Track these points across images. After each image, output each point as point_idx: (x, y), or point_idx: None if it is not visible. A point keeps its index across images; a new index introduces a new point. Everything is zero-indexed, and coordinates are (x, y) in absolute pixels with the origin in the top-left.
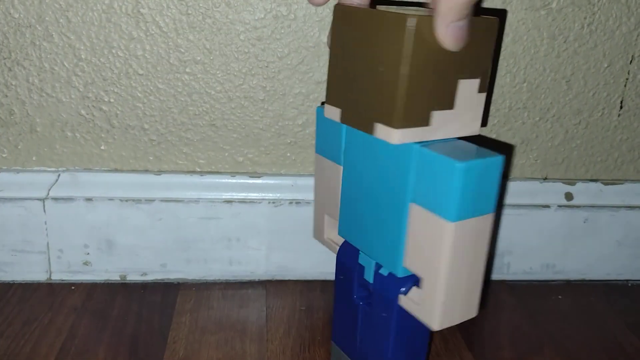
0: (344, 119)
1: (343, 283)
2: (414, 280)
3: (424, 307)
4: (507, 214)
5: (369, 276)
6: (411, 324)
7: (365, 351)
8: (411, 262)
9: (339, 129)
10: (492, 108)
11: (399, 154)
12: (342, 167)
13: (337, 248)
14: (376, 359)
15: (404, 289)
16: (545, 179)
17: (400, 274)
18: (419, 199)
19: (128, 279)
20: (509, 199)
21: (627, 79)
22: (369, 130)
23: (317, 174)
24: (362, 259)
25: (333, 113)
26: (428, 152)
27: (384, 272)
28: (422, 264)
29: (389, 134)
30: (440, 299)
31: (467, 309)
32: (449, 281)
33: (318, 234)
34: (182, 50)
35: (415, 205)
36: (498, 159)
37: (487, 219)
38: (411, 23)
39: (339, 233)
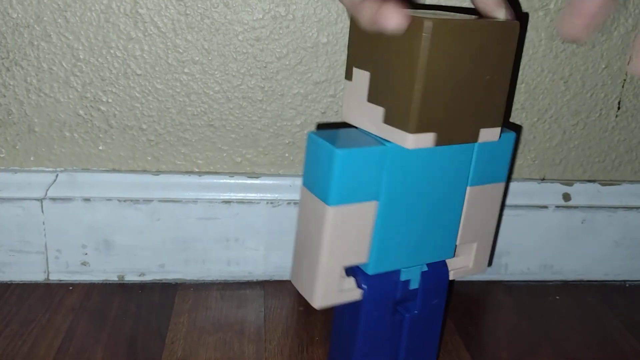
0: (440, 141)
1: (373, 317)
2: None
3: (477, 256)
4: (505, 215)
5: (415, 283)
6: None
7: (413, 355)
8: (465, 236)
9: (377, 163)
10: None
11: (464, 151)
12: (376, 202)
13: (359, 292)
14: (429, 348)
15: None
16: (543, 179)
17: (452, 255)
18: (474, 181)
19: (126, 279)
20: (507, 200)
21: (624, 80)
22: (471, 139)
23: (333, 230)
24: (405, 275)
25: (423, 140)
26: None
27: (427, 269)
28: (477, 231)
29: (494, 134)
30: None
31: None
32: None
33: (324, 296)
34: (181, 51)
35: (471, 187)
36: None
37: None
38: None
39: (374, 270)
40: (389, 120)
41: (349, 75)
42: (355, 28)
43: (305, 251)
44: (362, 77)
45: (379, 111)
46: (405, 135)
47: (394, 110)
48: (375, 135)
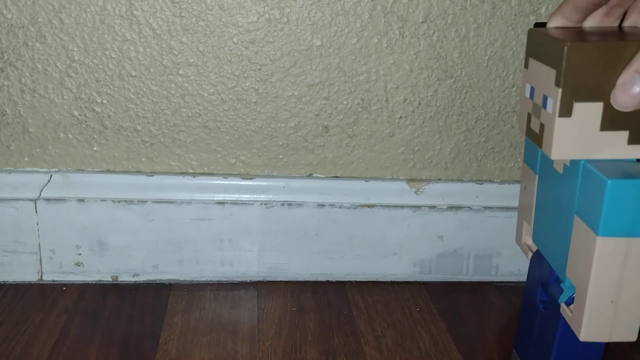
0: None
1: (530, 289)
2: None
3: (574, 316)
4: (495, 217)
5: (548, 279)
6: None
7: (537, 356)
8: (570, 271)
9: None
10: (482, 112)
11: (572, 169)
12: (537, 177)
13: (531, 254)
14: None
15: (563, 296)
16: None
17: (566, 281)
18: (580, 211)
19: (120, 279)
20: (497, 202)
21: None
22: None
23: (522, 181)
24: (547, 265)
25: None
26: (589, 167)
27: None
28: (577, 274)
29: None
30: (585, 311)
31: (624, 330)
32: (595, 294)
33: (517, 238)
34: (176, 52)
35: (577, 217)
36: None
37: None
38: None
39: (533, 239)
40: (636, 140)
41: (566, 112)
42: (574, 67)
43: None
44: (589, 109)
45: (621, 135)
46: None
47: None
48: (620, 160)
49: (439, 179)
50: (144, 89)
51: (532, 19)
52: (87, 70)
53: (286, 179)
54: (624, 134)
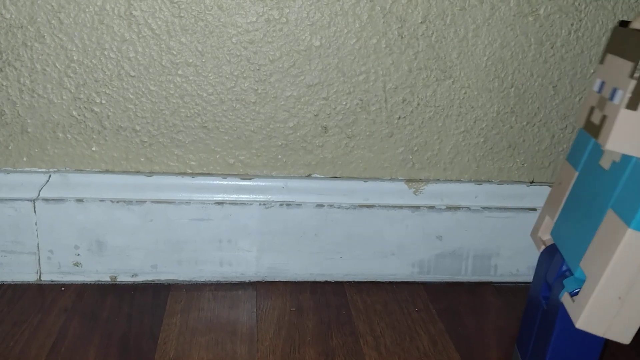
0: None
1: (535, 285)
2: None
3: (576, 304)
4: (494, 217)
5: (554, 275)
6: (580, 332)
7: (535, 352)
8: (586, 262)
9: (588, 140)
10: (480, 112)
11: (621, 164)
12: (577, 174)
13: (543, 248)
14: (540, 356)
15: (570, 286)
16: (532, 182)
17: (577, 272)
18: (616, 205)
19: (118, 279)
20: (496, 202)
21: None
22: None
23: (557, 178)
24: (557, 260)
25: None
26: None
27: (567, 272)
28: (593, 264)
29: None
30: (590, 299)
31: (621, 329)
32: (607, 285)
33: (534, 231)
34: (175, 53)
35: (612, 211)
36: None
37: None
38: None
39: (551, 232)
40: None
41: (633, 106)
42: None
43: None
44: None
45: None
46: None
47: None
48: None
49: (438, 179)
50: (143, 89)
51: (531, 20)
52: (86, 70)
53: (285, 179)
54: None
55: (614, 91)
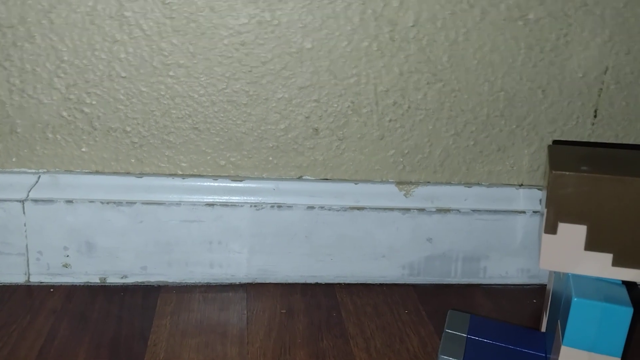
0: None
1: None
2: None
3: None
4: (484, 220)
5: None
6: None
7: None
8: None
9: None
10: (470, 116)
11: (565, 278)
12: (554, 274)
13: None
14: None
15: None
16: (521, 185)
17: None
18: (560, 318)
19: (108, 281)
20: (485, 205)
21: (601, 89)
22: None
23: (549, 274)
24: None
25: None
26: (570, 281)
27: None
28: None
29: None
30: None
31: None
32: None
33: (541, 326)
34: (166, 54)
35: (559, 322)
36: (626, 310)
37: None
38: None
39: (545, 329)
40: (620, 263)
41: (551, 230)
42: (559, 189)
43: None
44: (573, 230)
45: (605, 257)
46: None
47: (626, 254)
48: (606, 279)
49: (428, 182)
50: (134, 90)
51: (521, 24)
52: (77, 70)
53: (276, 181)
54: (609, 256)
55: (543, 214)
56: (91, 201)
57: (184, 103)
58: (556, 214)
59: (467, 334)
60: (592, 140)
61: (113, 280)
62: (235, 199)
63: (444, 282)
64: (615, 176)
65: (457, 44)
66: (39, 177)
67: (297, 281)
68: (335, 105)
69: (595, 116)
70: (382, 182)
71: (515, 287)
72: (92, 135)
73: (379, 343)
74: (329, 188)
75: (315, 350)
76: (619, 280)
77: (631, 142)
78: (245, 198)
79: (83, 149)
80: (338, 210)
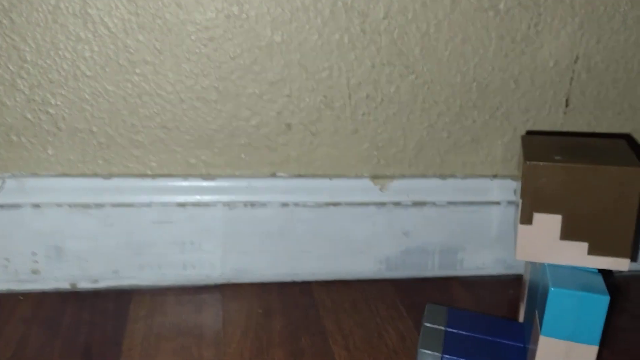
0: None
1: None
2: None
3: None
4: (459, 211)
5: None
6: None
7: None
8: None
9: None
10: (444, 107)
11: (541, 268)
12: (530, 265)
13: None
14: None
15: None
16: (495, 176)
17: None
18: (538, 308)
19: (79, 286)
20: (461, 197)
21: (572, 77)
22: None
23: (525, 265)
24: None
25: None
26: (546, 271)
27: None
28: None
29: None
30: None
31: None
32: None
33: (520, 316)
34: (132, 51)
35: (536, 312)
36: (602, 299)
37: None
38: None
39: (523, 320)
40: (596, 252)
41: (527, 220)
42: (534, 180)
43: None
44: (548, 220)
45: (581, 246)
46: (624, 260)
47: (601, 243)
48: (582, 268)
49: (403, 175)
50: (100, 89)
51: (491, 15)
52: (40, 71)
53: (249, 179)
54: (584, 245)
55: (518, 204)
56: (59, 205)
57: (152, 101)
58: (531, 205)
59: (446, 327)
60: (565, 129)
61: (84, 285)
62: (207, 198)
63: (422, 276)
64: (589, 165)
65: (428, 35)
66: (4, 181)
67: (273, 280)
68: (308, 99)
69: (567, 105)
70: (357, 177)
71: (491, 278)
72: (57, 136)
73: (358, 339)
74: (303, 184)
75: (293, 350)
76: (595, 268)
77: (603, 130)
78: (217, 197)
79: (49, 151)
80: (313, 207)
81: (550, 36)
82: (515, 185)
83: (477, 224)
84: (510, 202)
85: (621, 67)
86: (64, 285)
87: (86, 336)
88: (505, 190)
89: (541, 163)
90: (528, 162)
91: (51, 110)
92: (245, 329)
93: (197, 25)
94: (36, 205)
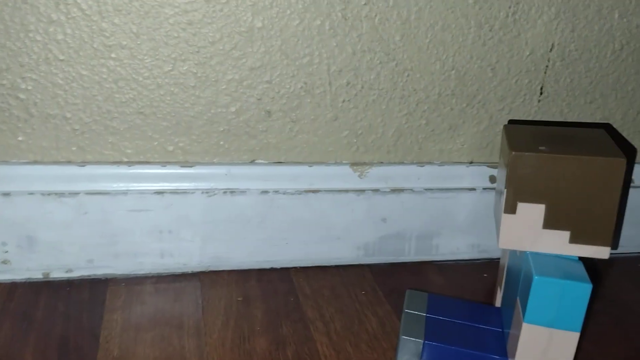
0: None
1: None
2: None
3: None
4: (436, 198)
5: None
6: None
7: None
8: (509, 347)
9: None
10: (422, 95)
11: (522, 255)
12: (509, 251)
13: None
14: None
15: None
16: (471, 162)
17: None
18: (520, 295)
19: (52, 276)
20: (438, 183)
21: (547, 66)
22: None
23: (502, 251)
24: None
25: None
26: (528, 259)
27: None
28: (510, 351)
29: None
30: None
31: None
32: None
33: (495, 301)
34: (107, 35)
35: (518, 300)
36: (585, 286)
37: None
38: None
39: (501, 305)
40: (577, 240)
41: (510, 210)
42: (519, 170)
43: None
44: (532, 209)
45: (563, 234)
46: (604, 249)
47: (582, 231)
48: (564, 256)
49: (382, 162)
50: (73, 74)
51: (471, 2)
52: (9, 54)
53: (228, 166)
54: (566, 234)
55: (501, 193)
56: (31, 193)
57: (128, 86)
58: (515, 194)
59: (427, 313)
60: (538, 117)
61: (57, 275)
62: (185, 185)
63: (398, 261)
64: (574, 156)
65: (409, 22)
66: None
67: (252, 267)
68: (288, 86)
69: (541, 93)
70: (336, 163)
71: (466, 262)
72: (29, 122)
73: (339, 326)
74: (283, 171)
75: (275, 337)
76: (576, 257)
77: (575, 118)
78: (196, 184)
79: (19, 138)
80: (292, 194)
81: (528, 25)
82: (497, 173)
83: (453, 210)
84: (485, 189)
85: (594, 56)
86: (37, 275)
87: (61, 328)
88: (480, 176)
89: (527, 153)
90: (514, 153)
91: (22, 95)
92: (226, 317)
93: (176, 8)
94: (6, 194)
